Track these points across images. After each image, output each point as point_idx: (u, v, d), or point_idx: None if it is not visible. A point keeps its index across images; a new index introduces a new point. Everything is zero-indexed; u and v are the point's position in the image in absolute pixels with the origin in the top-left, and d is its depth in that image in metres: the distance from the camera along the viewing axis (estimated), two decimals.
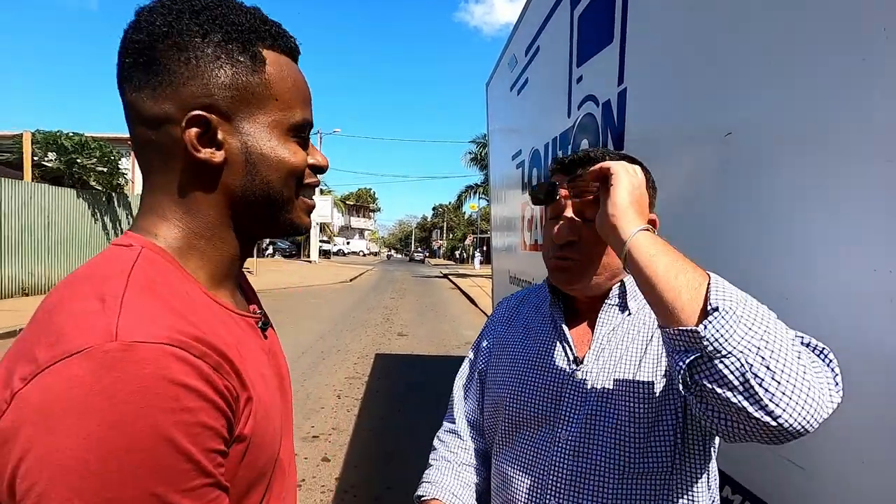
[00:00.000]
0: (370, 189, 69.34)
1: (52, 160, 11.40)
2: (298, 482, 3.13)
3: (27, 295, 9.82)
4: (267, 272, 19.35)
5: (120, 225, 12.20)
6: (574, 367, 0.84)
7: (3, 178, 9.42)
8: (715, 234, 1.08)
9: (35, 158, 10.86)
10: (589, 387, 0.81)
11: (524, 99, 3.18)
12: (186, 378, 0.41)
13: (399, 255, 67.45)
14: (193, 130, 0.50)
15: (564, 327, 0.88)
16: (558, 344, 0.88)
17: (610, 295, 0.86)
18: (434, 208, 69.43)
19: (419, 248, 70.85)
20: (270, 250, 31.79)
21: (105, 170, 12.00)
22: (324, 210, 27.05)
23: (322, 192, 30.59)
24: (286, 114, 0.55)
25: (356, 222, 64.95)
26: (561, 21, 2.39)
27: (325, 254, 35.48)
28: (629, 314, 0.86)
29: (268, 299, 11.60)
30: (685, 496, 0.76)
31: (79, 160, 11.33)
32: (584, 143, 2.12)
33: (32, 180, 10.43)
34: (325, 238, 34.48)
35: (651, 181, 0.84)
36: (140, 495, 0.38)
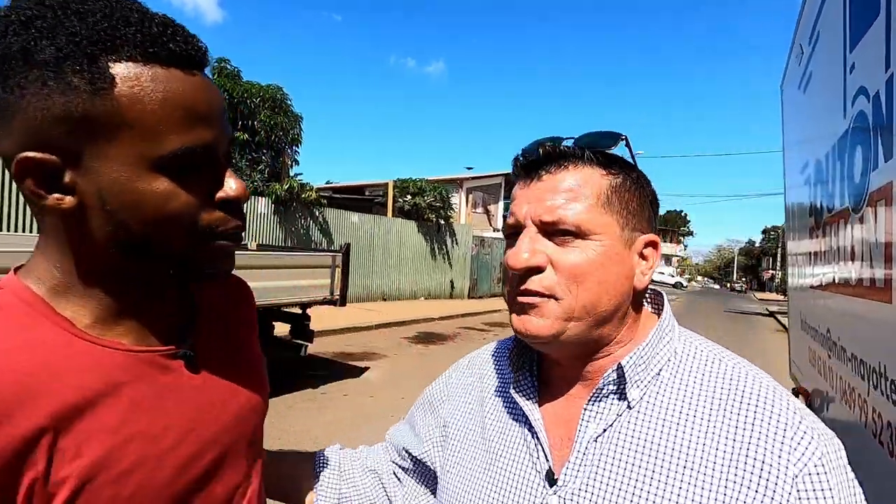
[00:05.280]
0: (681, 211, 63.37)
1: (403, 201, 15.22)
2: None
3: (385, 300, 13.29)
4: None
5: (446, 247, 15.23)
6: (546, 486, 0.58)
7: (376, 216, 13.25)
8: None
9: (395, 200, 14.74)
10: None
11: (809, 97, 2.53)
12: None
13: (717, 286, 58.73)
14: (30, 177, 0.42)
15: (535, 419, 0.62)
16: (529, 442, 0.62)
17: (602, 381, 0.58)
18: (764, 231, 57.79)
19: (743, 277, 60.21)
20: None
21: (440, 205, 15.17)
22: None
23: None
24: (151, 144, 0.42)
25: (663, 248, 60.23)
26: None
27: None
28: (628, 407, 0.58)
29: None
30: None
31: (419, 201, 14.72)
32: (859, 152, 1.60)
33: (392, 216, 14.16)
34: None
35: (651, 194, 0.63)
36: None
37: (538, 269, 0.56)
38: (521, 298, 0.57)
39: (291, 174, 11.41)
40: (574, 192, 0.57)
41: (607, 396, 0.58)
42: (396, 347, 8.02)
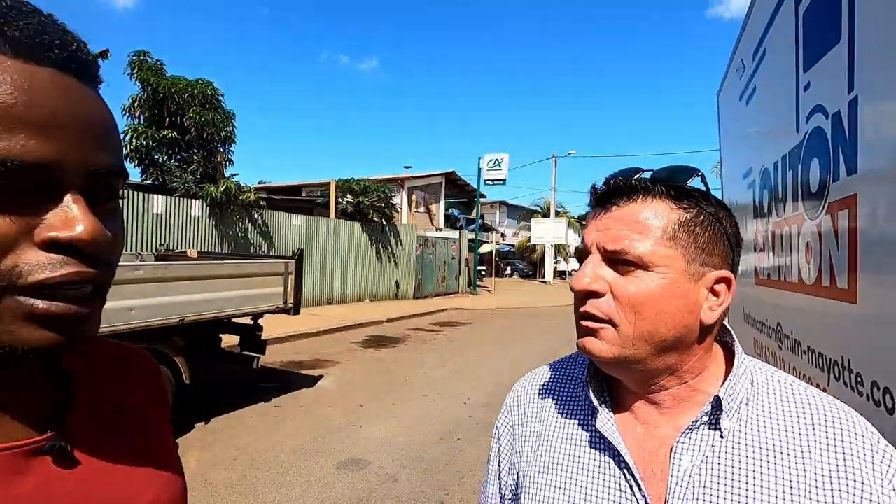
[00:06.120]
0: None
1: (345, 202, 14.88)
2: None
3: (330, 304, 12.92)
4: (504, 291, 20.69)
5: (390, 248, 15.04)
6: None
7: (319, 217, 12.84)
8: None
9: (337, 200, 14.37)
10: None
11: (752, 109, 2.74)
12: None
13: None
14: None
15: (625, 451, 0.60)
16: (617, 476, 0.61)
17: (702, 412, 0.59)
18: None
19: None
20: (509, 270, 33.90)
21: (382, 205, 14.97)
22: (558, 231, 27.39)
23: (557, 213, 31.05)
24: None
25: None
26: (785, 21, 2.03)
27: (559, 274, 35.83)
28: (721, 436, 0.58)
29: (501, 318, 12.54)
30: None
31: (363, 200, 14.44)
32: (815, 164, 1.75)
33: (335, 217, 13.80)
34: (559, 258, 34.83)
35: (732, 230, 0.62)
36: None
37: (597, 294, 0.59)
38: (582, 322, 0.61)
39: (227, 174, 10.77)
40: (640, 224, 0.58)
41: (698, 428, 0.59)
42: (348, 353, 7.84)
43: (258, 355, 4.68)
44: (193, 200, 9.52)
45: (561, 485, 0.64)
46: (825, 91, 1.60)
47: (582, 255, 0.62)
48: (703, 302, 0.60)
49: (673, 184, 0.61)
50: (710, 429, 0.59)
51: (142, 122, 10.29)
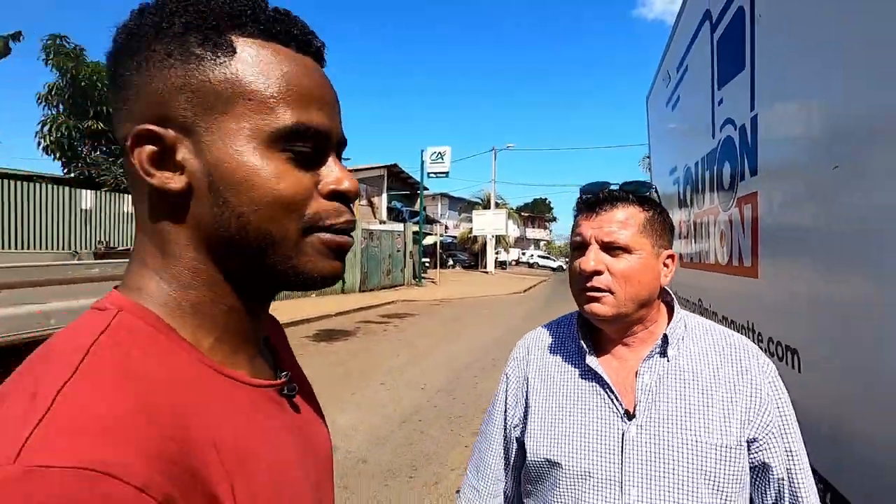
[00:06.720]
0: (545, 199, 69.34)
1: None
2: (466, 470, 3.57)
3: (275, 299, 12.61)
4: (449, 282, 21.06)
5: None
6: (626, 420, 0.83)
7: None
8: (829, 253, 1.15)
9: None
10: (649, 443, 0.81)
11: (677, 115, 3.16)
12: None
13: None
14: (146, 150, 0.40)
15: (606, 377, 0.86)
16: (602, 394, 0.86)
17: (655, 346, 0.86)
18: None
19: None
20: (451, 262, 34.37)
21: None
22: (498, 223, 28.15)
23: (497, 204, 31.84)
24: (265, 117, 0.41)
25: (532, 233, 65.50)
26: (703, 43, 2.40)
27: (501, 264, 36.79)
28: (667, 360, 0.86)
29: (448, 309, 12.87)
30: None
31: None
32: (727, 166, 2.13)
33: None
34: (500, 249, 35.75)
35: (670, 223, 0.92)
36: None
37: (598, 273, 0.85)
38: (588, 293, 0.86)
39: None
40: (623, 222, 0.86)
41: (653, 356, 0.87)
42: (300, 347, 7.82)
43: None
44: (125, 195, 9.01)
45: (563, 403, 0.90)
46: (734, 107, 1.97)
47: (581, 246, 0.88)
48: (661, 271, 0.88)
49: (639, 194, 0.89)
50: (660, 356, 0.87)
51: (62, 111, 9.52)
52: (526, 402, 0.95)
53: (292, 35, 0.44)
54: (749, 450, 0.81)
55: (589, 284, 0.85)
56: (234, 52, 0.41)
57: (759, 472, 0.83)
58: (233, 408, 0.42)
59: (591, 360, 0.89)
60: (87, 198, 8.25)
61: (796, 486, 0.82)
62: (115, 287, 0.44)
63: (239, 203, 0.41)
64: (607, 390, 0.86)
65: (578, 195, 0.93)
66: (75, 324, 0.40)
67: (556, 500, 0.86)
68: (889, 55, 1.01)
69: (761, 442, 0.81)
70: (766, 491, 0.84)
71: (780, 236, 1.60)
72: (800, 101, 1.46)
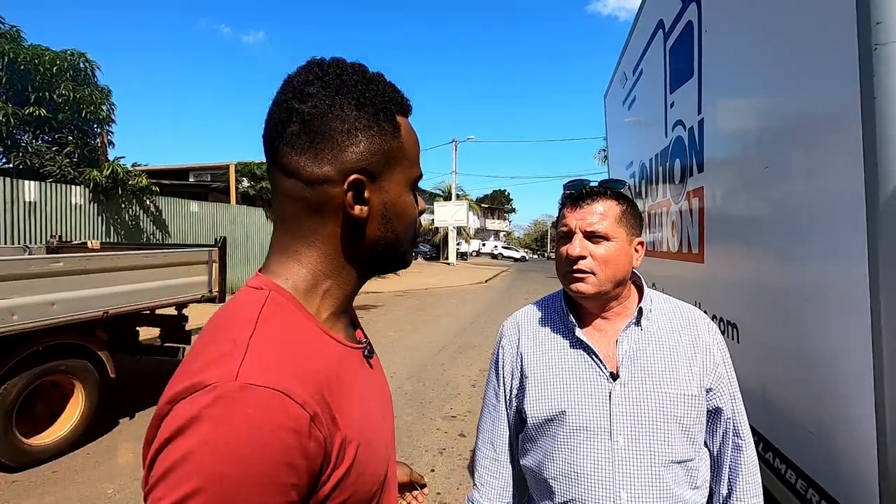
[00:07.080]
0: (504, 190, 70.21)
1: (247, 186, 14.13)
2: (440, 451, 3.80)
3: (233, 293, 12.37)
4: (409, 273, 21.09)
5: None
6: (611, 381, 0.99)
7: (218, 203, 12.12)
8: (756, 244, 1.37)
9: (236, 185, 13.62)
10: (631, 398, 0.97)
11: (633, 114, 3.39)
12: (281, 429, 0.44)
13: (536, 256, 67.02)
14: (351, 192, 0.56)
15: (592, 345, 1.02)
16: (589, 360, 1.02)
17: (632, 318, 1.03)
18: None
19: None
20: (413, 253, 34.27)
21: None
22: (459, 214, 28.29)
23: (458, 196, 32.02)
24: (411, 171, 0.63)
25: (491, 224, 66.24)
26: (657, 50, 2.62)
27: (462, 255, 37.12)
28: (641, 330, 1.03)
29: (411, 300, 12.97)
30: (704, 471, 1.03)
31: (265, 184, 13.85)
32: (678, 163, 2.36)
33: (235, 203, 13.11)
34: (460, 240, 36.03)
35: (639, 214, 1.07)
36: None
37: (583, 257, 1.01)
38: (574, 275, 1.02)
39: (111, 158, 9.74)
40: (602, 214, 1.02)
41: (630, 326, 1.04)
42: None
43: (184, 346, 4.60)
44: (73, 186, 8.56)
45: (556, 372, 1.04)
46: (684, 110, 2.19)
47: (567, 234, 1.03)
48: (633, 255, 1.05)
49: (615, 190, 1.06)
50: (636, 326, 1.04)
51: None
52: (522, 373, 1.08)
53: (410, 108, 0.64)
54: (707, 397, 1.01)
55: (575, 267, 1.00)
56: (399, 127, 0.61)
57: (713, 414, 1.03)
58: (340, 360, 0.57)
59: (579, 332, 1.04)
60: (30, 189, 7.80)
61: (738, 423, 1.04)
62: (259, 271, 0.61)
63: (398, 224, 0.62)
64: (594, 357, 1.02)
65: (563, 190, 1.10)
66: (241, 297, 0.57)
67: (556, 451, 1.00)
68: (806, 76, 1.22)
69: (715, 390, 1.02)
70: (716, 429, 1.04)
71: (721, 227, 1.84)
72: (738, 107, 1.69)
